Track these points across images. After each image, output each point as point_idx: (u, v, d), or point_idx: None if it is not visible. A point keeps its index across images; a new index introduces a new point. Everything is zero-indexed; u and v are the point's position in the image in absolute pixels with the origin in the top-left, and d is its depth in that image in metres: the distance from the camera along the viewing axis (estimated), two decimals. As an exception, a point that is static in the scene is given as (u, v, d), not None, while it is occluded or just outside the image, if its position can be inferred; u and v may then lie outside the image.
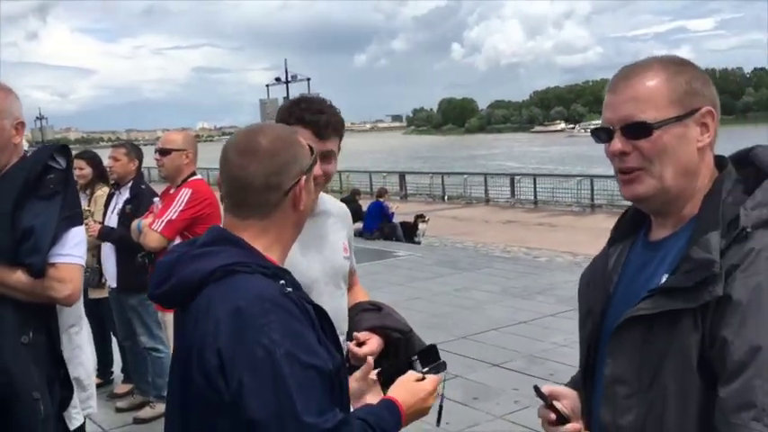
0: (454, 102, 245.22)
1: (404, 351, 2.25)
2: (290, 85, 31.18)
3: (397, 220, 15.39)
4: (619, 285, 1.49)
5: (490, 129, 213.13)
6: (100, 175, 5.45)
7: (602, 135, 1.41)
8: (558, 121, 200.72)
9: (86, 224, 4.70)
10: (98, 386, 3.54)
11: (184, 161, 4.35)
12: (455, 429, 4.63)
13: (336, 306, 2.22)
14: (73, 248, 2.29)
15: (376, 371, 1.81)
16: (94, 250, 5.02)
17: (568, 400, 1.55)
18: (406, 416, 1.56)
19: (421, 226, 15.42)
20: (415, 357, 1.85)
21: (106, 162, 5.33)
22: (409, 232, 15.10)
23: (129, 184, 5.01)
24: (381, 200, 15.47)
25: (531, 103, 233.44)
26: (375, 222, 14.96)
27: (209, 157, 8.27)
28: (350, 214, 2.53)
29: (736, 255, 1.25)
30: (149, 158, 5.04)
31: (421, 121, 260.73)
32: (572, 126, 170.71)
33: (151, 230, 4.15)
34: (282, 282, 1.43)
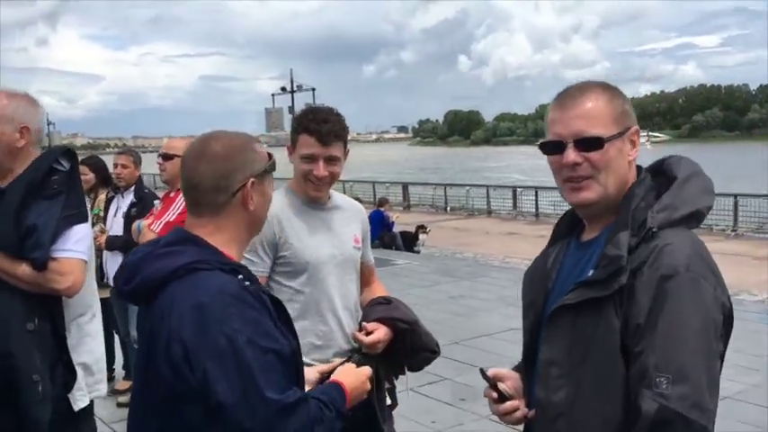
0: (460, 114, 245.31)
1: (409, 340, 2.54)
2: (295, 94, 31.45)
3: (397, 229, 15.58)
4: (557, 281, 1.69)
5: (496, 141, 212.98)
6: (102, 180, 5.68)
7: (550, 148, 1.60)
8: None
9: (94, 234, 4.93)
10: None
11: (185, 167, 4.55)
12: (442, 428, 4.82)
13: (345, 288, 2.53)
14: (75, 244, 2.46)
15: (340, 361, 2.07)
16: (97, 251, 5.23)
17: (511, 381, 1.75)
18: (350, 396, 1.75)
19: (421, 236, 15.59)
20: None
21: (113, 169, 5.55)
22: (409, 242, 15.28)
23: (133, 189, 5.26)
24: (382, 209, 15.66)
25: (537, 117, 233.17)
26: (375, 231, 15.08)
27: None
28: (364, 212, 2.78)
29: (644, 252, 1.46)
30: (152, 165, 5.27)
31: (426, 133, 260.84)
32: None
33: (150, 231, 4.35)
34: (240, 276, 1.57)
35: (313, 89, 31.91)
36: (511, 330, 7.31)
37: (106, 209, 5.40)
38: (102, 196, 5.58)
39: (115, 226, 5.23)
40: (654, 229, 1.47)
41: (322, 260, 2.48)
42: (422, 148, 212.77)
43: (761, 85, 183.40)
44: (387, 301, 2.62)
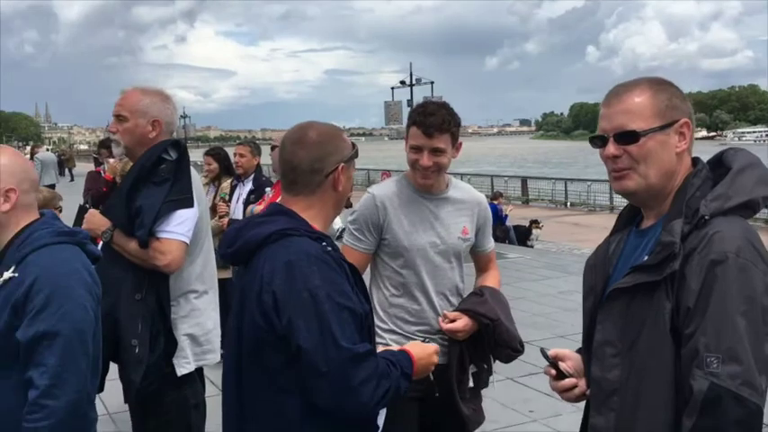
0: (586, 106, 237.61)
1: (488, 336, 2.67)
2: (414, 88, 31.79)
3: (510, 223, 15.50)
4: (616, 266, 1.76)
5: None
6: (225, 168, 6.13)
7: (597, 142, 1.69)
8: (698, 129, 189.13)
9: (219, 207, 5.37)
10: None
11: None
12: (539, 417, 4.87)
13: (441, 275, 2.70)
14: (176, 227, 2.70)
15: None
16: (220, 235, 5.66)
17: (572, 361, 1.86)
18: (417, 365, 1.90)
19: (534, 231, 15.46)
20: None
21: (233, 158, 5.99)
22: (522, 236, 15.19)
23: (252, 177, 5.67)
24: (496, 202, 15.64)
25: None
26: (489, 224, 15.09)
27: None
28: (484, 204, 2.89)
29: (696, 239, 1.52)
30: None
31: (550, 126, 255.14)
32: (722, 134, 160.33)
33: (260, 214, 4.70)
34: (324, 243, 1.80)
35: (431, 82, 32.14)
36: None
37: (230, 195, 5.83)
38: (226, 183, 6.01)
39: (237, 212, 5.63)
40: (706, 217, 1.53)
41: (419, 247, 2.65)
42: (544, 141, 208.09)
43: None
44: (480, 293, 2.76)
